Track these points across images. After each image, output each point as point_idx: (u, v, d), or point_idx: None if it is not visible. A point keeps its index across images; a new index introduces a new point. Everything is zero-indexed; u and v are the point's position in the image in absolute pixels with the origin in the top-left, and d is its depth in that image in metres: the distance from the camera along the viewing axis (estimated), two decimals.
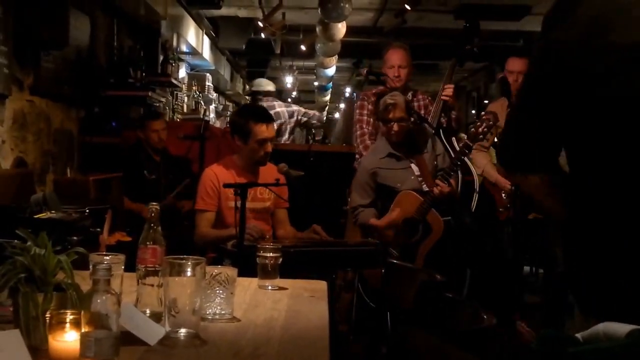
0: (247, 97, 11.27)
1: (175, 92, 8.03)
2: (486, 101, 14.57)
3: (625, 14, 1.26)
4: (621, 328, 1.07)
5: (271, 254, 2.21)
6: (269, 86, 6.75)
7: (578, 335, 1.15)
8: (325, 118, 20.16)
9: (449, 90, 4.27)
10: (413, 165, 3.91)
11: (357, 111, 4.61)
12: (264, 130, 3.48)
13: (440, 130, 4.25)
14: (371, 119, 4.48)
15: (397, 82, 4.45)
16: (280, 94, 16.53)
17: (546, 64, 1.38)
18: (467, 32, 4.39)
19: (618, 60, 1.26)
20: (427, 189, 3.81)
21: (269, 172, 3.56)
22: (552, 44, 1.36)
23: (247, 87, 12.52)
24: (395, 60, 4.48)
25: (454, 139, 4.32)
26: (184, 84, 8.59)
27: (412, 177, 3.88)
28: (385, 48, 4.68)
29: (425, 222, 3.79)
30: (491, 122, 3.77)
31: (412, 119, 3.97)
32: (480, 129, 3.78)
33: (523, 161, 1.48)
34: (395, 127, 3.86)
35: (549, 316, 4.05)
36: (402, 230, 3.80)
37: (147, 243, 1.82)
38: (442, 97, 4.28)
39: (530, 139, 1.44)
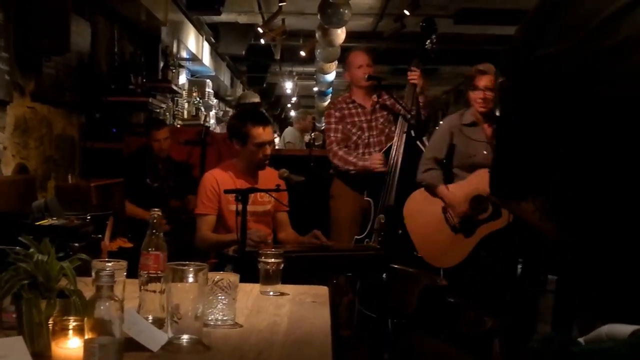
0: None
1: (175, 98, 8.04)
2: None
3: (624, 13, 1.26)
4: (625, 328, 1.08)
5: (273, 260, 2.21)
6: (255, 98, 6.89)
7: (580, 339, 1.15)
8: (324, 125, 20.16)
9: (414, 73, 4.36)
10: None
11: (325, 120, 4.66)
12: (261, 133, 3.48)
13: (412, 131, 4.29)
14: (340, 126, 4.50)
15: (365, 82, 4.53)
16: (279, 100, 16.54)
17: (538, 80, 1.35)
18: (424, 31, 4.48)
19: (625, 61, 1.25)
20: None
21: (270, 175, 3.56)
22: (544, 57, 1.34)
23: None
24: (361, 60, 4.55)
25: (424, 138, 4.35)
26: (185, 90, 8.60)
27: (485, 152, 3.80)
28: (347, 54, 4.81)
29: (496, 206, 3.68)
30: None
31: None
32: None
33: (515, 189, 1.46)
34: (481, 94, 3.82)
35: (558, 320, 4.03)
36: (471, 204, 3.74)
37: (149, 249, 1.81)
38: (410, 81, 4.37)
39: (520, 165, 1.42)
